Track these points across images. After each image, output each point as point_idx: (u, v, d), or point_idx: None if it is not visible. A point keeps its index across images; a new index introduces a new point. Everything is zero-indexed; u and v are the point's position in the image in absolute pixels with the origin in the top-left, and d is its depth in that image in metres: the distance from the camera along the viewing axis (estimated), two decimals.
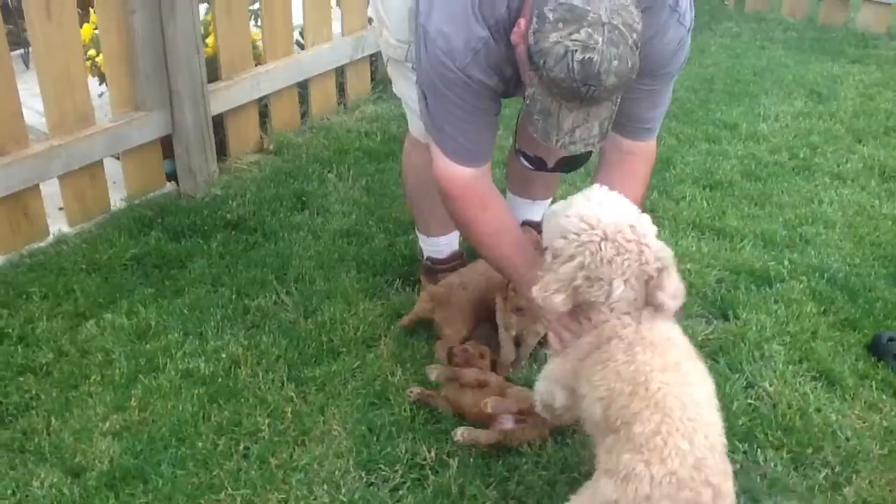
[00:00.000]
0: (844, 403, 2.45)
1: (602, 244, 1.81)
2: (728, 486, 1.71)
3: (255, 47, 3.82)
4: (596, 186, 1.95)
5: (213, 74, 3.59)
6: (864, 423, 2.39)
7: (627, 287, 1.84)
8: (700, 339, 2.67)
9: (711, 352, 2.62)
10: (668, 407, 1.70)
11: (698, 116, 4.35)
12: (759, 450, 2.26)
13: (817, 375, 2.55)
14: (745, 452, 2.25)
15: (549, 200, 3.02)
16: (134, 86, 3.29)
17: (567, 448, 2.26)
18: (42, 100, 3.04)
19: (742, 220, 3.42)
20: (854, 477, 2.21)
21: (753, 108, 4.48)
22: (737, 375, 2.52)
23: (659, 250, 1.86)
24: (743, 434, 2.30)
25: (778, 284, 2.98)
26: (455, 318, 2.59)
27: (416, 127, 2.60)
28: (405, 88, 2.56)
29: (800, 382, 2.51)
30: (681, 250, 3.15)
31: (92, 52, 3.50)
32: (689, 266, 3.04)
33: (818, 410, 2.41)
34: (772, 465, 2.21)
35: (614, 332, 1.86)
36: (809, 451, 2.27)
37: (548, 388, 2.06)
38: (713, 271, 3.03)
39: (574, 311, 1.93)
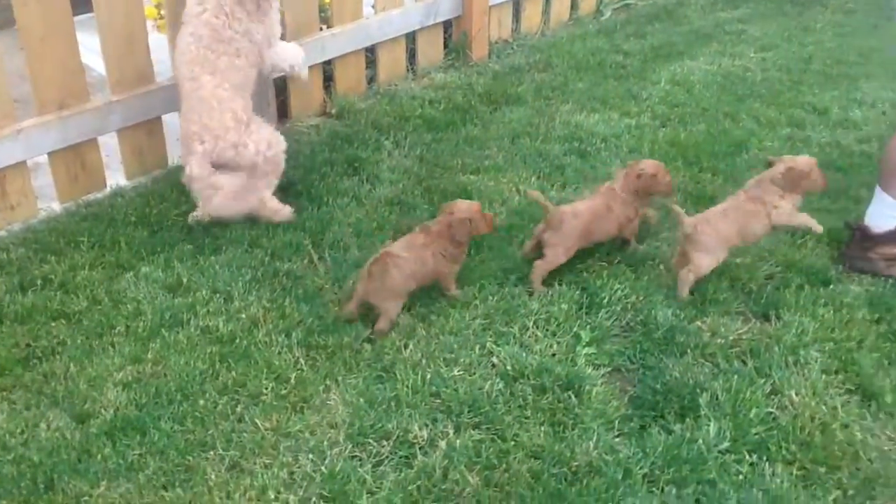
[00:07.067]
0: (877, 422, 2.26)
1: None
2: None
3: (324, 10, 3.84)
4: None
5: None
6: (894, 444, 2.19)
7: None
8: (731, 338, 2.52)
9: (741, 352, 2.48)
10: None
11: (785, 98, 4.07)
12: (767, 462, 2.11)
13: (853, 388, 2.37)
14: (752, 464, 2.11)
15: None
16: None
17: (562, 443, 2.19)
18: (103, 58, 3.16)
19: (811, 213, 3.17)
20: None
21: (850, 92, 4.16)
22: (762, 380, 2.36)
23: None
24: (754, 444, 2.16)
25: (834, 285, 2.77)
26: (560, 242, 2.76)
27: None
28: None
29: (831, 395, 2.33)
30: None
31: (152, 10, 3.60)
32: (739, 260, 2.86)
33: (844, 426, 2.22)
34: (778, 480, 2.06)
35: None
36: (823, 469, 2.10)
37: None
38: (765, 266, 2.85)
39: None
